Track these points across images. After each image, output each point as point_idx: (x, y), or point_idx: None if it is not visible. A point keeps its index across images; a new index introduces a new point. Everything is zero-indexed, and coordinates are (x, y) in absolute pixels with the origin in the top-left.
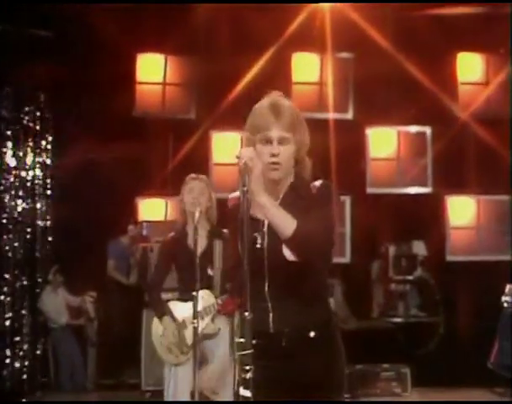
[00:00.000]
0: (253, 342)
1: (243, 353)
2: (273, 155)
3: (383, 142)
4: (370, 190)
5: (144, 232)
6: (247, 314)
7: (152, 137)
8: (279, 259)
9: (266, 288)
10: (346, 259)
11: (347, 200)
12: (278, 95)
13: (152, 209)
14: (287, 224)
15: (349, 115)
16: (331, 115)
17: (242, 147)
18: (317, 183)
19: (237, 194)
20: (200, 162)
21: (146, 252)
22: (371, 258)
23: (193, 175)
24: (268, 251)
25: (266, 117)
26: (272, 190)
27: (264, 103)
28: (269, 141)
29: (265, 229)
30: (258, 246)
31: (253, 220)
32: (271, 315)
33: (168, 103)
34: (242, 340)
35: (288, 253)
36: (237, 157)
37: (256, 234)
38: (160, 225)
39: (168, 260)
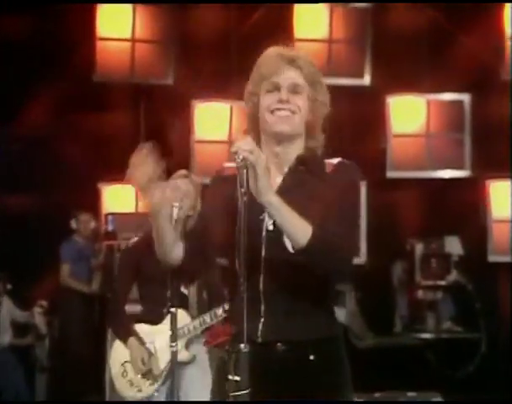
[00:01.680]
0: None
1: (239, 393)
2: (280, 100)
3: (408, 114)
4: (391, 174)
5: (109, 227)
6: (243, 346)
7: (119, 108)
8: (280, 250)
9: (261, 284)
10: (361, 260)
11: (362, 187)
12: (291, 46)
13: (119, 197)
14: (301, 231)
15: (366, 80)
16: (343, 81)
17: (240, 137)
18: (335, 160)
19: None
20: (178, 138)
21: (113, 251)
22: (393, 259)
23: (182, 172)
24: (267, 239)
25: (275, 61)
26: (272, 158)
27: (274, 50)
28: (276, 88)
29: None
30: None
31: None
32: (262, 320)
33: (139, 64)
34: (237, 378)
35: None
36: (234, 152)
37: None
38: (130, 217)
39: (133, 271)
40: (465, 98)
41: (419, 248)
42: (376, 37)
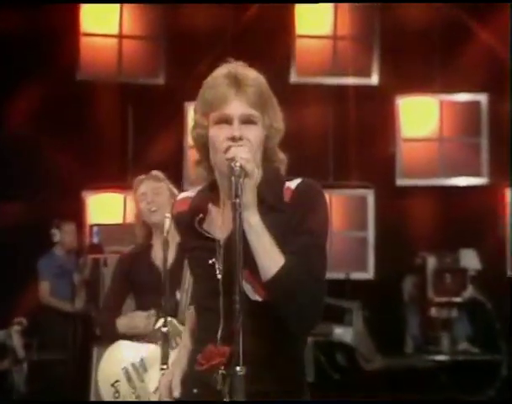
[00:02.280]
0: (194, 390)
1: None
2: (232, 138)
3: (420, 116)
4: (401, 182)
5: (94, 239)
6: (239, 369)
7: (105, 109)
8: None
9: (219, 332)
10: (369, 275)
11: (369, 195)
12: (240, 64)
13: (105, 207)
14: (273, 261)
15: (373, 80)
16: (348, 80)
17: (196, 140)
18: (292, 183)
19: (186, 195)
20: (171, 144)
21: (98, 266)
22: (403, 274)
23: (141, 176)
24: (224, 283)
25: (223, 88)
26: (229, 192)
27: (221, 72)
28: (226, 121)
29: (222, 252)
30: (217, 275)
31: (206, 239)
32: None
33: (126, 62)
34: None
35: (250, 290)
36: (229, 159)
37: (213, 261)
38: (117, 229)
39: (126, 281)
40: (481, 98)
41: (432, 262)
42: (384, 33)
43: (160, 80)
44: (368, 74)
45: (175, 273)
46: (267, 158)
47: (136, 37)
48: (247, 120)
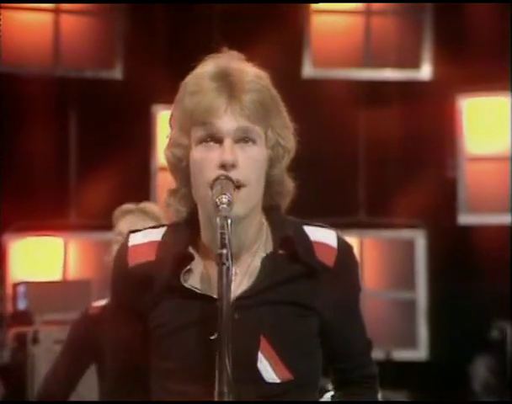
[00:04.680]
0: None
1: None
2: (223, 165)
3: (490, 125)
4: (465, 219)
5: (20, 305)
6: None
7: (36, 114)
8: (250, 377)
9: None
10: (420, 354)
11: (418, 238)
12: (234, 56)
13: (36, 257)
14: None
15: (425, 73)
16: (388, 74)
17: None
18: (325, 238)
19: (143, 238)
20: (133, 163)
21: (25, 344)
22: (472, 352)
23: (124, 207)
24: (235, 367)
25: (210, 94)
26: (249, 240)
27: (206, 70)
28: (215, 139)
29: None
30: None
31: (199, 303)
32: None
33: (68, 48)
34: None
35: (268, 368)
36: (220, 197)
37: (216, 335)
38: (54, 289)
39: (88, 351)
40: None
41: None
42: (439, 10)
43: (116, 73)
44: (416, 65)
45: None
46: (269, 190)
47: (79, 12)
48: (243, 138)
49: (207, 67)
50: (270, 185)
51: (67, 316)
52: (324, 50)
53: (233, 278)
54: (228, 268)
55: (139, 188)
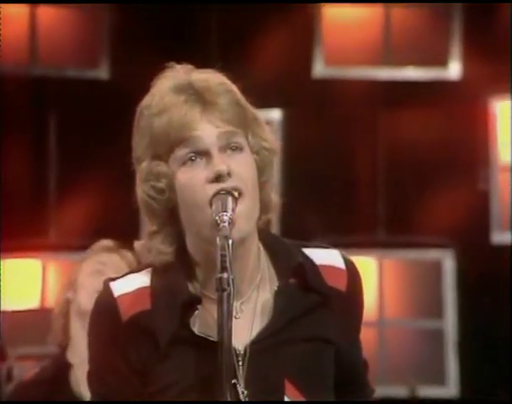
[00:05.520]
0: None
1: None
2: (216, 177)
3: None
4: (499, 237)
5: None
6: None
7: (10, 119)
8: None
9: None
10: (449, 390)
11: (446, 259)
12: (188, 68)
13: (11, 281)
14: None
15: (453, 72)
16: (411, 73)
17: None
18: (331, 260)
19: (128, 287)
20: (122, 176)
21: None
22: (509, 389)
23: (104, 242)
24: None
25: (180, 108)
26: (250, 273)
27: (165, 86)
28: (201, 153)
29: (245, 368)
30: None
31: (209, 351)
32: None
33: (47, 44)
34: None
35: None
36: (221, 215)
37: (234, 381)
38: (32, 318)
39: None
40: None
41: None
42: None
43: (102, 73)
44: (443, 62)
45: None
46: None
47: (59, 3)
48: (229, 146)
49: (164, 83)
50: (260, 198)
51: (46, 350)
52: (337, 45)
53: (238, 315)
54: (229, 295)
55: (127, 204)
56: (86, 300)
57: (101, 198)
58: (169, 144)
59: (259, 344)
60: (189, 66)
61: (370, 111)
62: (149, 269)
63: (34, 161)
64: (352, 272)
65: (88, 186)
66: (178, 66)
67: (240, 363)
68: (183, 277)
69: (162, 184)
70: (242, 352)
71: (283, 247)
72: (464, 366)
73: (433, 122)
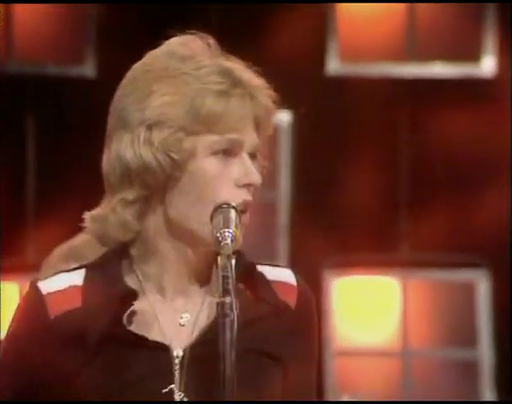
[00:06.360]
0: None
1: None
2: (245, 185)
3: None
4: None
5: None
6: None
7: None
8: None
9: None
10: None
11: (480, 280)
12: (231, 58)
13: None
14: None
15: (486, 68)
16: (437, 69)
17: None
18: (284, 276)
19: (58, 283)
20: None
21: None
22: None
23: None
24: None
25: (236, 100)
26: (203, 273)
27: (210, 68)
28: (231, 153)
29: (184, 372)
30: None
31: (154, 346)
32: None
33: (24, 37)
34: None
35: None
36: (223, 231)
37: (170, 388)
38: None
39: None
40: None
41: None
42: None
43: (88, 70)
44: (475, 57)
45: None
46: None
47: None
48: (254, 154)
49: (207, 64)
50: None
51: None
52: (354, 39)
53: (182, 321)
54: (233, 321)
55: None
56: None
57: (88, 210)
58: (207, 127)
59: (198, 348)
60: (231, 56)
61: (392, 113)
62: (82, 269)
63: (9, 170)
64: (303, 289)
65: (71, 199)
66: (220, 53)
67: (177, 366)
68: (119, 269)
69: (181, 160)
70: (181, 354)
71: (237, 255)
72: (501, 400)
73: (463, 124)
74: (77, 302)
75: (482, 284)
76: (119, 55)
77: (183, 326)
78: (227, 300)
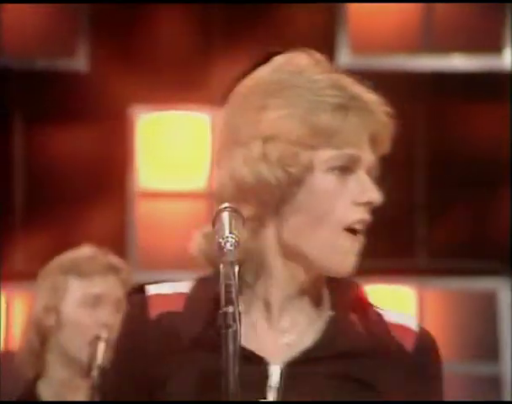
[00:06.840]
0: None
1: None
2: (366, 203)
3: None
4: None
5: None
6: None
7: None
8: None
9: None
10: None
11: (502, 288)
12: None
13: None
14: None
15: (507, 60)
16: (456, 61)
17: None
18: (399, 317)
19: (165, 290)
20: (103, 185)
21: None
22: None
23: (86, 251)
24: None
25: (355, 117)
26: (312, 293)
27: (325, 82)
28: (347, 170)
29: (281, 386)
30: None
31: (245, 357)
32: None
33: (12, 29)
34: None
35: None
36: (225, 237)
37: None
38: None
39: None
40: None
41: None
42: None
43: (79, 64)
44: (495, 49)
45: None
46: None
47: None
48: (369, 172)
49: (320, 77)
50: None
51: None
52: (366, 30)
53: (285, 338)
54: (236, 332)
55: (111, 220)
56: (72, 342)
57: (79, 215)
58: (328, 142)
59: (297, 366)
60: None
61: (407, 108)
62: (192, 281)
63: None
64: (424, 334)
65: (61, 203)
66: (332, 67)
67: (272, 382)
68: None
69: (298, 174)
70: (278, 370)
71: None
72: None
73: (482, 121)
74: (179, 307)
75: (504, 293)
76: (112, 48)
77: (285, 343)
78: (230, 309)
